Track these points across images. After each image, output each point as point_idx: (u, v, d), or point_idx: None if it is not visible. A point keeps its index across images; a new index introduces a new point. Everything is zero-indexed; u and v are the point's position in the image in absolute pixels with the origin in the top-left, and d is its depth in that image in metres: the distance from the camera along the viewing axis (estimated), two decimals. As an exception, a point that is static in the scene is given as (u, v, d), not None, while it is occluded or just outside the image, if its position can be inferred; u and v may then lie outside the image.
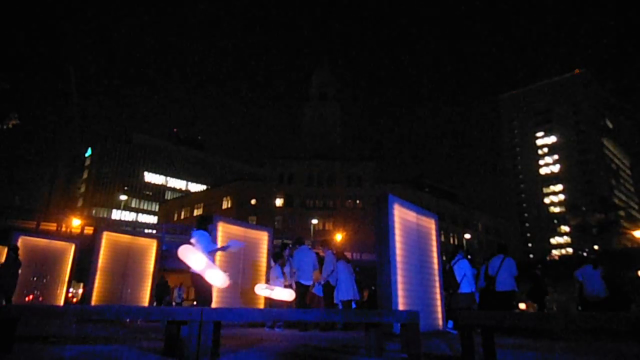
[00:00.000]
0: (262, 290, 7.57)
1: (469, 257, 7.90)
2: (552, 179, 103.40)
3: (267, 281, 7.93)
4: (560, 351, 4.59)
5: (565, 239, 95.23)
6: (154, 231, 33.39)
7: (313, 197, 55.38)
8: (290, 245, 8.79)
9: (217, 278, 5.08)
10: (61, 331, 5.70)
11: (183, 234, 28.02)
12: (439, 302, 6.41)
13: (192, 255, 5.08)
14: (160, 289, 15.82)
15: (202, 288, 5.19)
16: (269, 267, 8.28)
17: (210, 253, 5.35)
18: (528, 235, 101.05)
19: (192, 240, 5.32)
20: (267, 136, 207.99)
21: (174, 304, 18.11)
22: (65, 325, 6.65)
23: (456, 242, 56.43)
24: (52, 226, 22.80)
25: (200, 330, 3.17)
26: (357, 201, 54.91)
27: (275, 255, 8.31)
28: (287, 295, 7.47)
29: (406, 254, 5.78)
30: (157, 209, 79.96)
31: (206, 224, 5.57)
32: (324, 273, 8.24)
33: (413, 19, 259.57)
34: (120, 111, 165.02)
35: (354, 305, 8.16)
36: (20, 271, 8.98)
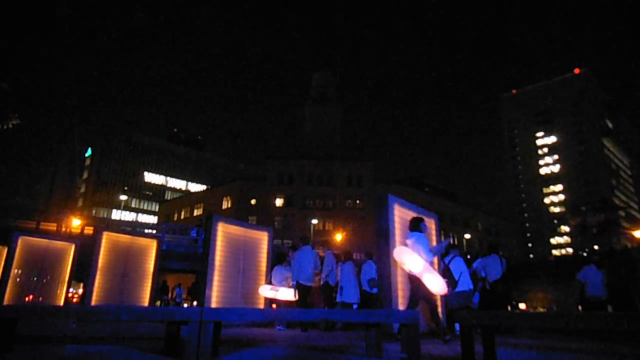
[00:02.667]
0: (267, 291, 7.59)
1: (469, 256, 7.91)
2: (552, 179, 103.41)
3: (269, 282, 7.93)
4: (560, 351, 4.58)
5: (565, 239, 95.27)
6: (154, 231, 33.35)
7: (313, 197, 55.36)
8: (292, 245, 8.82)
9: (435, 282, 4.97)
10: (61, 331, 5.70)
11: (183, 234, 27.96)
12: (438, 303, 6.40)
13: (410, 258, 5.00)
14: (194, 290, 16.13)
15: (418, 291, 5.12)
16: (268, 268, 8.28)
17: (432, 255, 5.28)
18: (528, 235, 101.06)
19: (408, 242, 5.26)
20: (267, 136, 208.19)
21: (172, 303, 18.11)
22: (65, 325, 6.65)
23: (456, 242, 56.44)
24: (52, 226, 22.72)
25: (200, 330, 3.17)
26: (357, 201, 54.88)
27: (279, 257, 8.35)
28: (291, 295, 7.50)
29: (406, 254, 5.77)
30: (157, 209, 79.91)
31: (419, 225, 5.45)
32: (323, 273, 8.24)
33: (413, 19, 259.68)
34: (120, 111, 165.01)
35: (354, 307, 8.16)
36: (18, 271, 9.00)
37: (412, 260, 4.98)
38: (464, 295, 6.90)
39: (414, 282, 5.12)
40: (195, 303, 15.83)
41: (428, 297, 5.16)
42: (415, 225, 5.44)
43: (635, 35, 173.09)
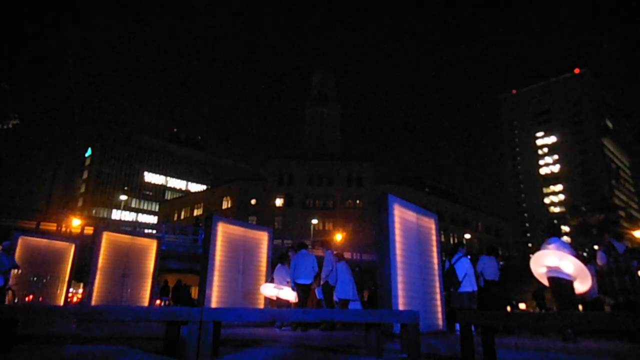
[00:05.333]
0: (270, 289, 7.60)
1: (469, 256, 7.89)
2: (552, 179, 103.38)
3: (270, 281, 7.95)
4: (560, 351, 4.58)
5: (566, 239, 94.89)
6: (154, 231, 33.38)
7: (313, 197, 55.36)
8: (292, 246, 8.82)
9: (587, 282, 5.33)
10: (61, 331, 5.69)
11: (183, 234, 27.98)
12: (439, 302, 6.40)
13: (562, 260, 5.33)
14: (179, 293, 16.27)
15: (565, 292, 5.42)
16: (268, 268, 8.28)
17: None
18: (528, 235, 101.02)
19: (550, 247, 5.63)
20: (267, 136, 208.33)
21: (172, 304, 18.09)
22: (65, 325, 6.65)
23: (456, 242, 56.44)
24: (52, 226, 22.74)
25: (200, 330, 3.17)
26: (357, 201, 54.88)
27: (281, 257, 8.37)
28: (293, 295, 7.51)
29: (406, 254, 5.77)
30: (157, 209, 79.94)
31: (558, 231, 5.99)
32: (323, 273, 8.24)
33: (413, 19, 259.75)
34: (120, 111, 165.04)
35: (352, 305, 8.15)
36: (18, 271, 9.03)
37: (566, 261, 5.32)
38: (467, 296, 6.86)
39: (561, 284, 5.43)
40: None
41: (572, 297, 5.52)
42: (555, 231, 5.86)
43: (635, 35, 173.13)
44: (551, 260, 5.46)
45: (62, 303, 10.32)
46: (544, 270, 5.63)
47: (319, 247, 25.64)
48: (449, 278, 6.89)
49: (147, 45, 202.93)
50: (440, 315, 6.33)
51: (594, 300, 7.80)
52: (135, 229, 47.25)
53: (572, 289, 5.49)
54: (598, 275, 7.64)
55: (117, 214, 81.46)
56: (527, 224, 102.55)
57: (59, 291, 10.43)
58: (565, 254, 5.43)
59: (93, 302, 8.97)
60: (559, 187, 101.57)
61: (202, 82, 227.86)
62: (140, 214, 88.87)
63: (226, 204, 55.97)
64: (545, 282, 5.79)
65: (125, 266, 9.67)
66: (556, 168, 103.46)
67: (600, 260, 6.02)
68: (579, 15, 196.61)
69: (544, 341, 5.68)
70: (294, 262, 7.86)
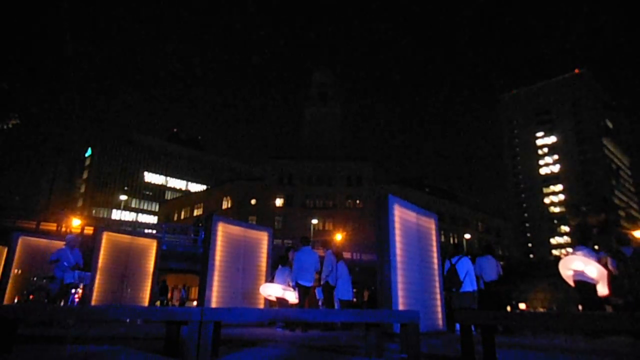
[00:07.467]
0: (277, 290, 7.60)
1: (469, 256, 7.88)
2: (552, 179, 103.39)
3: (270, 282, 7.95)
4: (560, 351, 4.58)
5: (565, 239, 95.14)
6: (154, 231, 33.36)
7: (313, 197, 55.34)
8: (292, 245, 8.82)
9: (606, 287, 6.18)
10: (61, 331, 5.69)
11: (183, 234, 27.99)
12: (439, 302, 6.38)
13: (587, 265, 6.21)
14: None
15: (589, 293, 6.29)
16: (268, 268, 8.28)
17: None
18: (528, 235, 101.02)
19: (578, 253, 6.53)
20: (267, 136, 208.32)
21: (177, 304, 18.11)
22: (65, 325, 6.65)
23: (456, 242, 56.39)
24: (52, 226, 22.72)
25: (200, 330, 3.17)
26: (357, 201, 54.87)
27: (282, 258, 8.37)
28: (294, 296, 7.51)
29: (406, 254, 5.76)
30: (157, 209, 79.96)
31: (587, 239, 6.91)
32: (323, 273, 8.24)
33: (413, 19, 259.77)
34: (120, 111, 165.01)
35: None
36: (18, 271, 9.04)
37: (591, 267, 6.15)
38: (469, 296, 6.85)
39: (585, 286, 6.27)
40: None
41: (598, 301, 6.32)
42: (584, 239, 6.79)
43: (634, 36, 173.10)
44: (577, 265, 6.27)
45: (62, 303, 10.30)
46: (571, 273, 6.47)
47: (320, 247, 25.65)
48: (451, 278, 6.89)
49: (147, 45, 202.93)
50: (440, 315, 6.32)
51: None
52: (135, 229, 47.23)
53: (596, 291, 6.25)
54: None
55: (117, 214, 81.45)
56: (527, 224, 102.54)
57: (59, 291, 10.41)
58: (590, 260, 6.21)
59: (93, 302, 8.97)
60: (559, 187, 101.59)
61: (202, 81, 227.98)
62: (140, 214, 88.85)
63: (226, 204, 55.95)
64: (571, 283, 6.58)
65: (125, 266, 9.66)
66: (556, 168, 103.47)
67: (611, 266, 6.74)
68: (579, 15, 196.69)
69: (544, 341, 5.69)
70: (296, 260, 7.85)
